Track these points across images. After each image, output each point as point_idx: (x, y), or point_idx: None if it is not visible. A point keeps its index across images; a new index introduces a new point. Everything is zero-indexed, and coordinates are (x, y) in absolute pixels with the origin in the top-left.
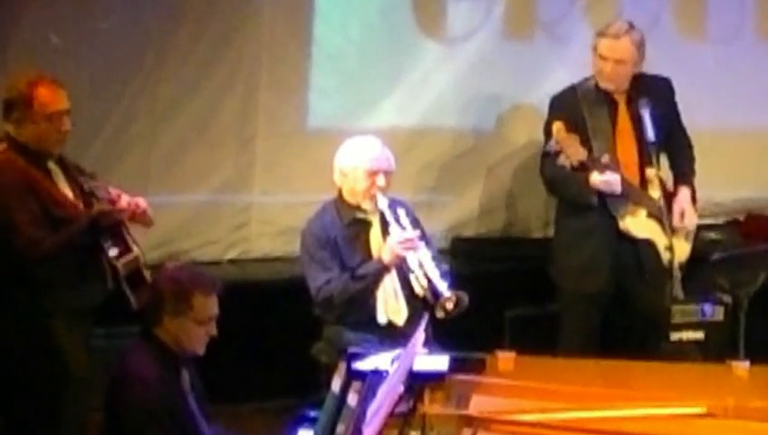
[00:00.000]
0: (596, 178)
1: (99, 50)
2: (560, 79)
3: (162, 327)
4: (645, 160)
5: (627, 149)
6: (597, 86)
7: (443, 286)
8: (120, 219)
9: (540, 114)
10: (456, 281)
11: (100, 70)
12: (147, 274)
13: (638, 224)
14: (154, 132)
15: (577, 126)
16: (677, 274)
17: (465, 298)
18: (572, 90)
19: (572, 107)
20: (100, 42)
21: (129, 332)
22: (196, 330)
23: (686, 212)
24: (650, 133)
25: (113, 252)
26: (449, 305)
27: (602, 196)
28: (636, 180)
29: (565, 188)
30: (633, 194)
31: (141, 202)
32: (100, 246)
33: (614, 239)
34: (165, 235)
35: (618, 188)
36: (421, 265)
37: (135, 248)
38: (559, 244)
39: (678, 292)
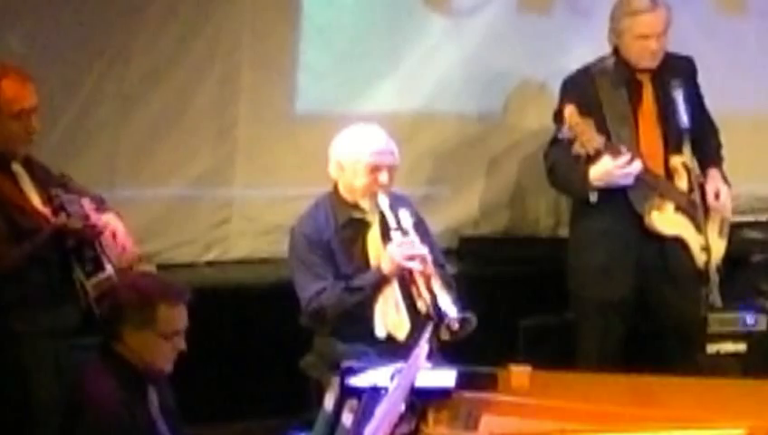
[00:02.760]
0: (609, 166)
1: (60, 24)
2: (581, 57)
3: (123, 342)
4: (670, 148)
5: (651, 135)
6: (616, 66)
7: (449, 306)
8: (91, 237)
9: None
10: (463, 286)
11: (62, 47)
12: None
13: (665, 219)
14: (122, 118)
15: (591, 111)
16: (714, 278)
17: (473, 320)
18: (586, 70)
19: (587, 90)
20: (61, 15)
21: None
22: (161, 345)
23: (720, 191)
24: (684, 118)
25: (82, 271)
26: (454, 326)
27: (624, 190)
28: (661, 170)
29: (565, 179)
30: (659, 186)
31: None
32: (71, 265)
33: (637, 238)
34: (134, 234)
35: (630, 180)
36: (425, 280)
37: (108, 267)
38: (573, 244)
39: (716, 298)
